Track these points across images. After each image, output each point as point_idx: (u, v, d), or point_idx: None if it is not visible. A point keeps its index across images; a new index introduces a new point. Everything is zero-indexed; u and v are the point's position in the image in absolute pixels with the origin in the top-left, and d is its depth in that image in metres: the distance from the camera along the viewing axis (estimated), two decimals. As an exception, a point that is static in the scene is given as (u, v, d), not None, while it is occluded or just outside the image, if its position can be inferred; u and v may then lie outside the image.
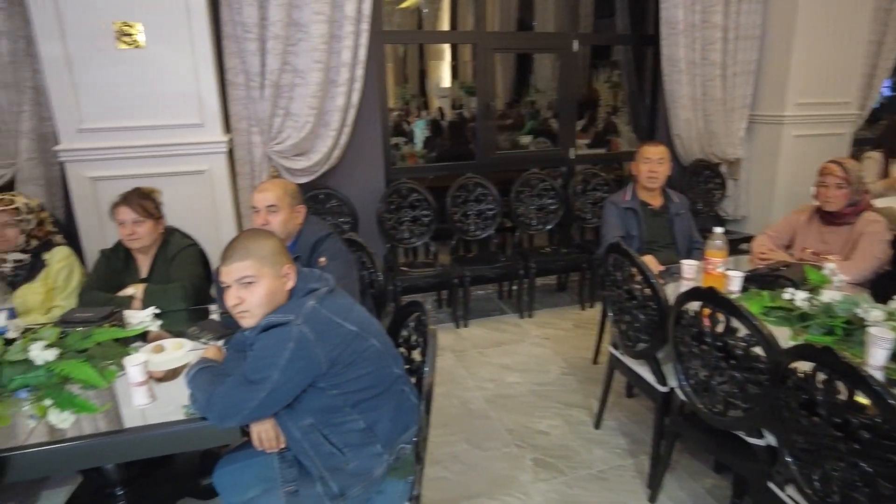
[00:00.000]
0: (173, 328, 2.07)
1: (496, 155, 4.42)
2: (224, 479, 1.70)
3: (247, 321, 1.47)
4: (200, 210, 3.05)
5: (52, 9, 2.70)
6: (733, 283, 2.20)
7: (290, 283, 1.51)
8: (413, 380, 1.75)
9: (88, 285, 2.28)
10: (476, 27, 4.07)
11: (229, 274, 1.45)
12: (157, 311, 2.10)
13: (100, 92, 2.84)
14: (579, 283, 4.12)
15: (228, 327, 2.02)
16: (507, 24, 8.79)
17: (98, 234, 2.95)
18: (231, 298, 1.45)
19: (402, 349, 1.82)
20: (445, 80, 11.02)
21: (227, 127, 3.23)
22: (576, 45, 4.25)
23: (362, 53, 3.39)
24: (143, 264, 2.34)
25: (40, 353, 1.67)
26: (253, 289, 1.45)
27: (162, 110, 2.93)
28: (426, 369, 1.56)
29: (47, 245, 2.36)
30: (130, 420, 1.55)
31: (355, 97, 3.43)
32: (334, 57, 3.34)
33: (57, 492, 1.69)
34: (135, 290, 2.22)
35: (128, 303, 2.17)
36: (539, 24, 8.71)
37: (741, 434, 1.77)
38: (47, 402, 1.62)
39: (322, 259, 2.10)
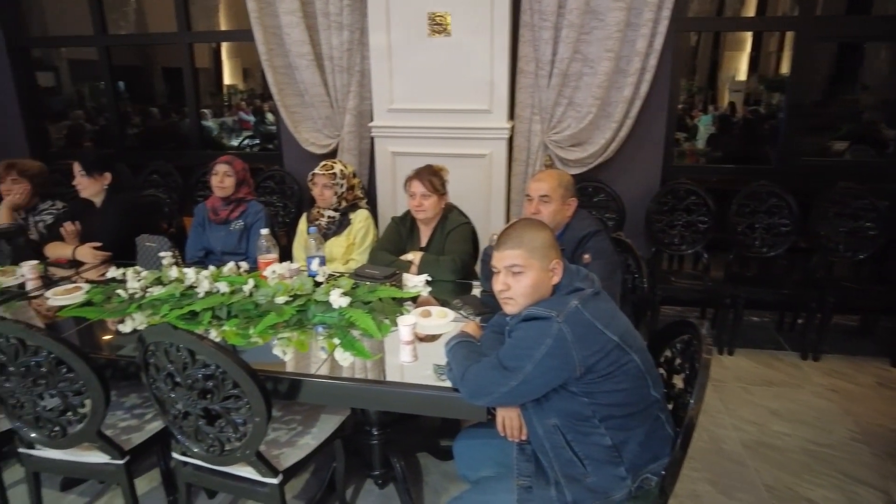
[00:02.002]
0: (439, 296, 2.24)
1: (801, 161, 3.75)
2: (462, 450, 1.78)
3: (510, 307, 1.50)
4: (476, 192, 3.23)
5: (384, 2, 3.11)
6: None
7: (556, 279, 1.48)
8: (669, 406, 1.59)
9: (379, 246, 2.61)
10: (799, 11, 3.47)
11: (500, 260, 1.48)
12: (429, 278, 2.30)
13: (409, 76, 3.20)
14: (893, 331, 3.29)
15: (487, 305, 2.11)
16: (830, 6, 7.33)
17: (391, 201, 3.36)
18: (498, 283, 1.49)
19: (660, 369, 1.66)
20: (742, 72, 9.81)
21: (511, 114, 3.35)
22: (944, 33, 3.33)
23: (658, 42, 3.17)
24: (424, 234, 2.58)
25: (338, 299, 1.96)
26: (520, 278, 1.46)
27: (457, 95, 3.17)
28: (691, 402, 1.39)
29: (353, 207, 2.76)
30: (391, 374, 1.72)
31: (644, 88, 3.24)
32: (627, 46, 3.20)
33: (332, 417, 1.97)
34: (414, 257, 2.46)
35: (407, 267, 2.42)
36: (877, 5, 7.06)
37: None
38: (336, 340, 1.90)
39: (586, 256, 2.04)
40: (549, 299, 1.46)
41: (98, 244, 2.70)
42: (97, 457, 1.82)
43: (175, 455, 1.81)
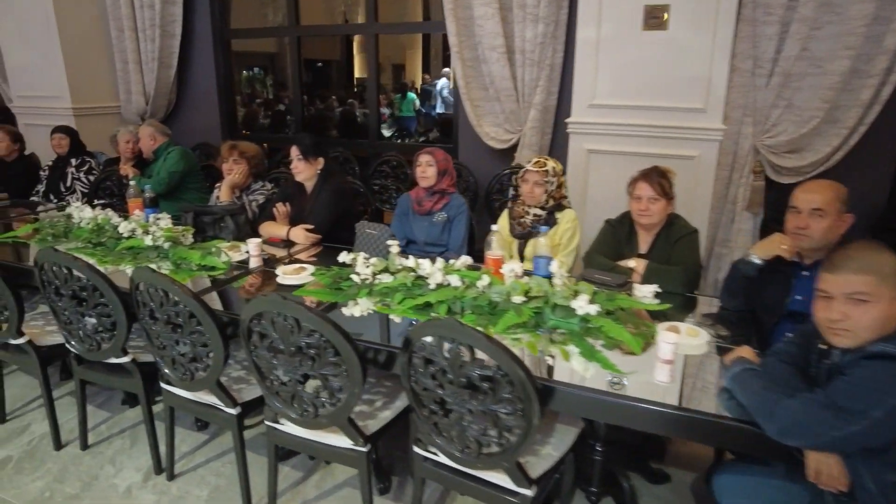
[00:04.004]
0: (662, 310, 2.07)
1: None
2: (729, 484, 1.61)
3: (843, 340, 1.31)
4: (678, 196, 3.01)
5: (598, -2, 2.97)
6: None
7: (906, 312, 1.28)
8: None
9: (594, 249, 2.48)
10: None
11: (840, 285, 1.30)
12: (658, 289, 2.13)
13: (616, 71, 3.04)
14: None
15: (730, 322, 1.94)
16: None
17: (580, 199, 3.22)
18: (833, 311, 1.31)
19: None
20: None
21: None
22: None
23: (916, 35, 2.78)
24: (644, 240, 2.41)
25: (585, 305, 1.85)
26: (865, 308, 1.27)
27: (668, 92, 2.97)
28: None
29: (559, 206, 2.65)
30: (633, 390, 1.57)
31: (886, 91, 2.86)
32: (871, 43, 2.83)
33: (568, 429, 1.87)
34: (636, 264, 2.30)
35: (628, 273, 2.27)
36: None
37: None
38: (572, 348, 1.79)
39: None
40: (897, 334, 1.27)
41: (310, 226, 2.80)
42: (340, 440, 1.85)
43: (416, 449, 1.80)
